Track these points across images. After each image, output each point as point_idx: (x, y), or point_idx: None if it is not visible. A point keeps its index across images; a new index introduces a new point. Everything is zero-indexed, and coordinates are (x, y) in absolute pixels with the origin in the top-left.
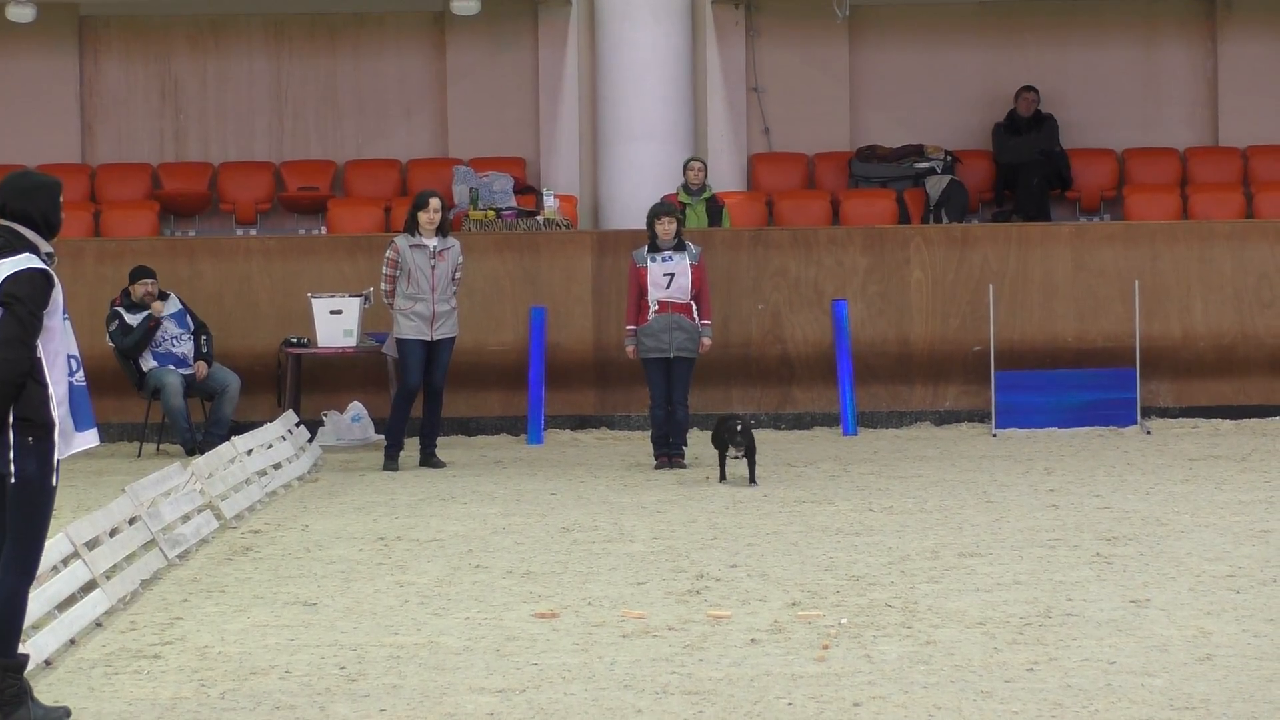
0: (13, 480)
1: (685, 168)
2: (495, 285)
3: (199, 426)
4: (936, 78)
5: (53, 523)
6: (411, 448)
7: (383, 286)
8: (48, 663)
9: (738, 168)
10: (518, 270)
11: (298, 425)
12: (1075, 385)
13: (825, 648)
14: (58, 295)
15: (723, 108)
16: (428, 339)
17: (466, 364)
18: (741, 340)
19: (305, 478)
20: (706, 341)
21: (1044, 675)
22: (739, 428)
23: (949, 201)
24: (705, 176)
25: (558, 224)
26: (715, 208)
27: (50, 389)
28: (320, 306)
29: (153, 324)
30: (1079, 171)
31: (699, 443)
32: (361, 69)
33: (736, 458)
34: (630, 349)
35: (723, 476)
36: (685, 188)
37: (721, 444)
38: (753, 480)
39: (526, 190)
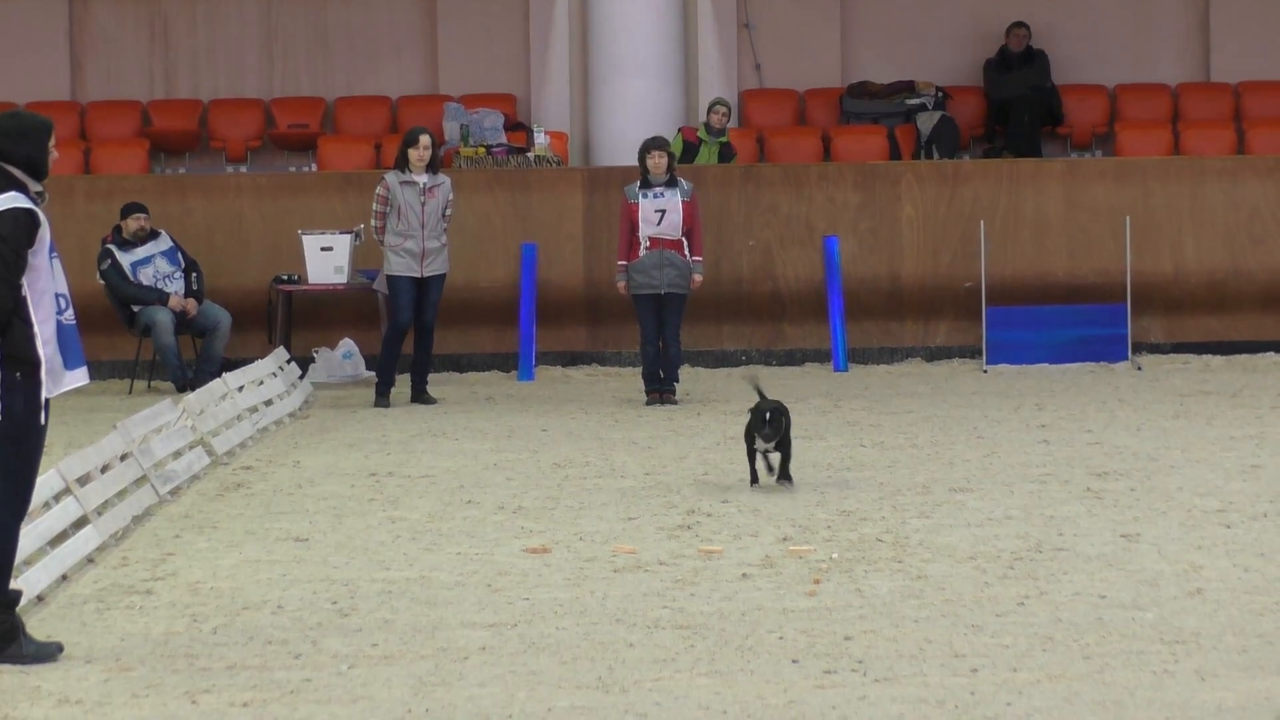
0: (0, 418)
1: (710, 109)
2: (486, 222)
3: (190, 364)
4: (928, 13)
5: (44, 459)
6: (402, 384)
7: (373, 223)
8: (40, 598)
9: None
10: (508, 207)
11: (289, 362)
12: (1066, 321)
13: (816, 582)
14: (45, 233)
15: (714, 44)
16: (418, 276)
17: (457, 301)
18: (733, 277)
19: (296, 414)
20: (698, 278)
21: (1034, 609)
22: (767, 416)
23: (940, 138)
24: (729, 120)
25: (548, 161)
26: (728, 153)
27: (36, 327)
28: (311, 243)
29: (160, 302)
30: (1070, 107)
31: (691, 379)
32: (351, 5)
33: (767, 451)
34: (621, 285)
35: (753, 478)
36: (707, 127)
37: (750, 437)
38: (785, 477)
39: (517, 127)
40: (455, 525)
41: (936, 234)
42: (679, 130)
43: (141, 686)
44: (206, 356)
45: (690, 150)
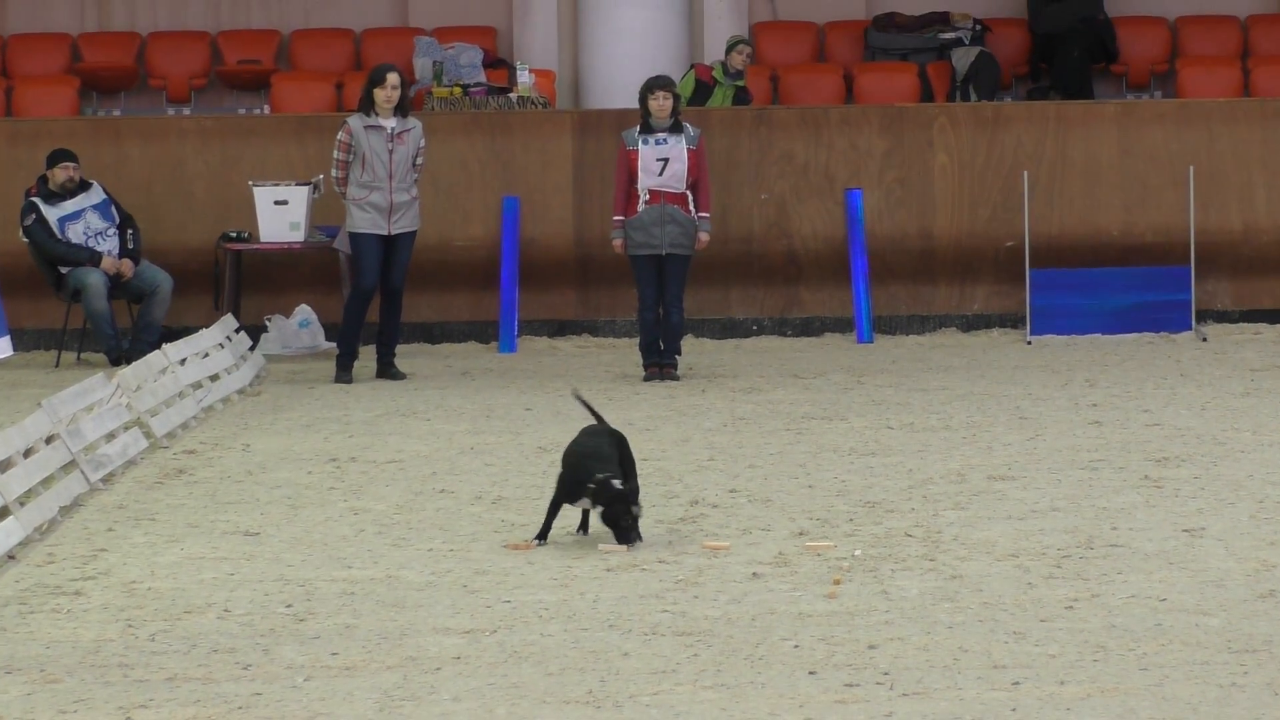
0: None
1: (731, 49)
2: (462, 172)
3: (125, 332)
4: None
5: None
6: (367, 357)
7: (334, 173)
8: None
9: (751, 44)
10: (488, 155)
11: (238, 331)
12: (1121, 285)
13: (837, 583)
14: None
15: None
16: (385, 233)
17: (430, 262)
18: (742, 235)
19: (246, 391)
20: (704, 237)
21: (1085, 614)
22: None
23: (978, 76)
24: (750, 62)
25: (533, 102)
26: (744, 99)
27: None
28: (263, 196)
29: (91, 263)
30: (1126, 42)
31: (694, 351)
32: None
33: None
34: (617, 243)
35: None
36: (724, 68)
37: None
38: (631, 536)
39: (497, 64)
40: (426, 518)
41: (974, 186)
42: (691, 68)
43: (69, 701)
44: (144, 324)
45: (703, 92)
